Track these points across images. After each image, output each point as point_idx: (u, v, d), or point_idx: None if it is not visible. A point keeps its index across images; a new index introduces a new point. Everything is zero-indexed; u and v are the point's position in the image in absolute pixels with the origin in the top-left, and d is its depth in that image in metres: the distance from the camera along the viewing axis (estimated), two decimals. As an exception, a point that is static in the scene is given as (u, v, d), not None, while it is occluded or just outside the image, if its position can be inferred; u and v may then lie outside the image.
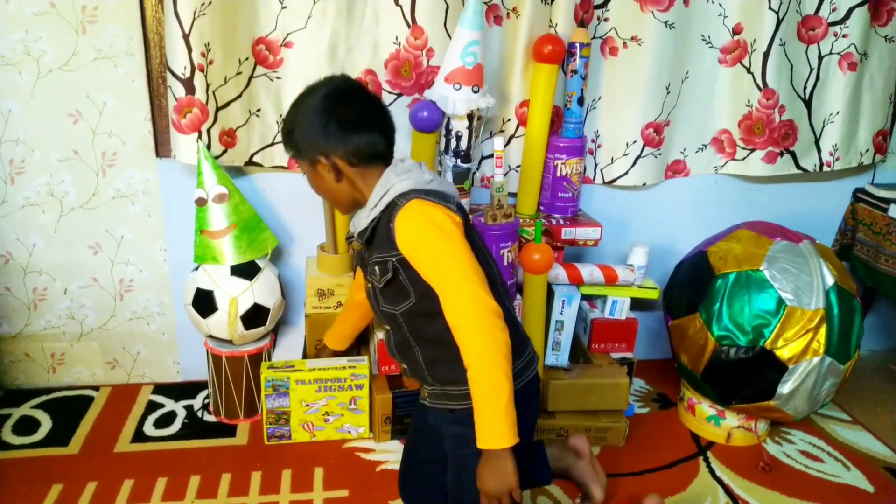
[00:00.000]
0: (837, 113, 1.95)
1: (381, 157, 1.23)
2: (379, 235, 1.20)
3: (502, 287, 1.27)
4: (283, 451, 1.70)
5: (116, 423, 1.79)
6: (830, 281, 1.60)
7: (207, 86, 1.60)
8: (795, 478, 1.69)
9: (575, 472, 1.56)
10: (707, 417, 1.81)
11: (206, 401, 1.88)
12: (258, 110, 1.71)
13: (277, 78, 1.70)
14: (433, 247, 1.14)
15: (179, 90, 1.58)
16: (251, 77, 1.68)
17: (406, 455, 1.49)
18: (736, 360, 1.62)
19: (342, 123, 1.19)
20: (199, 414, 1.84)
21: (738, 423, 1.78)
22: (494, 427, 1.11)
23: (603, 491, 1.54)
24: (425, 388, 1.32)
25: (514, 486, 1.12)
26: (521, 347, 1.24)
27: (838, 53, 1.90)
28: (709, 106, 1.93)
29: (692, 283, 1.74)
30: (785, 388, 1.60)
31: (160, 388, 1.95)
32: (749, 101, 1.91)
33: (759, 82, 1.88)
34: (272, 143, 1.75)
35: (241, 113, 1.69)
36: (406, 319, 1.24)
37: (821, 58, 1.90)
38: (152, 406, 1.87)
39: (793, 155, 1.98)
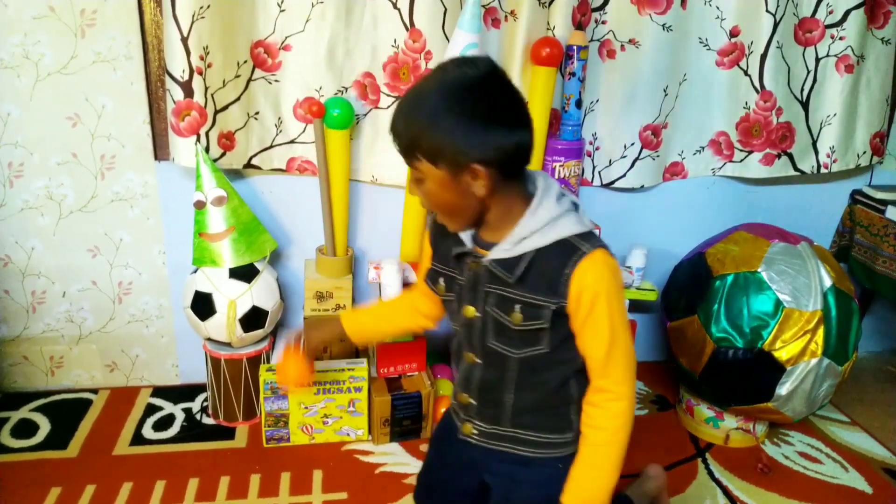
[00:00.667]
0: (835, 115, 1.96)
1: (527, 163, 1.02)
2: (539, 275, 1.02)
3: None
4: (281, 454, 1.70)
5: (115, 425, 1.79)
6: (828, 282, 1.60)
7: (206, 89, 1.60)
8: (794, 479, 1.70)
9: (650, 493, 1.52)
10: (706, 419, 1.82)
11: (205, 403, 1.88)
12: (257, 113, 1.72)
13: (276, 81, 1.70)
14: (615, 308, 1.03)
15: (178, 93, 1.58)
16: (250, 80, 1.68)
17: (428, 472, 1.36)
18: (734, 361, 1.62)
19: (486, 119, 0.94)
20: (198, 416, 1.84)
21: (737, 424, 1.78)
22: (600, 492, 1.07)
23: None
24: (480, 426, 1.18)
25: None
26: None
27: (835, 56, 1.91)
28: (706, 108, 1.94)
29: (690, 285, 1.74)
30: (783, 389, 1.60)
31: (159, 391, 1.95)
32: (746, 104, 1.91)
33: (757, 84, 1.88)
34: (271, 146, 1.75)
35: (240, 116, 1.69)
36: (521, 364, 1.09)
37: (818, 60, 1.91)
38: (151, 409, 1.87)
39: (790, 157, 1.99)
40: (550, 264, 1.01)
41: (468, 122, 0.93)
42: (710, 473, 1.70)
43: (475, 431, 1.18)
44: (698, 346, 1.67)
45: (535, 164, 1.78)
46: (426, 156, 0.96)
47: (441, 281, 1.15)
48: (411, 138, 0.96)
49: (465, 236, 1.07)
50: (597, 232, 1.10)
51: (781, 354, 1.57)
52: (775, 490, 1.65)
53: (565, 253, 1.00)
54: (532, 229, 1.01)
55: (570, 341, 1.07)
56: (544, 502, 1.12)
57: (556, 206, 1.02)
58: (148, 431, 1.77)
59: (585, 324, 1.03)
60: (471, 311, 1.10)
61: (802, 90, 1.93)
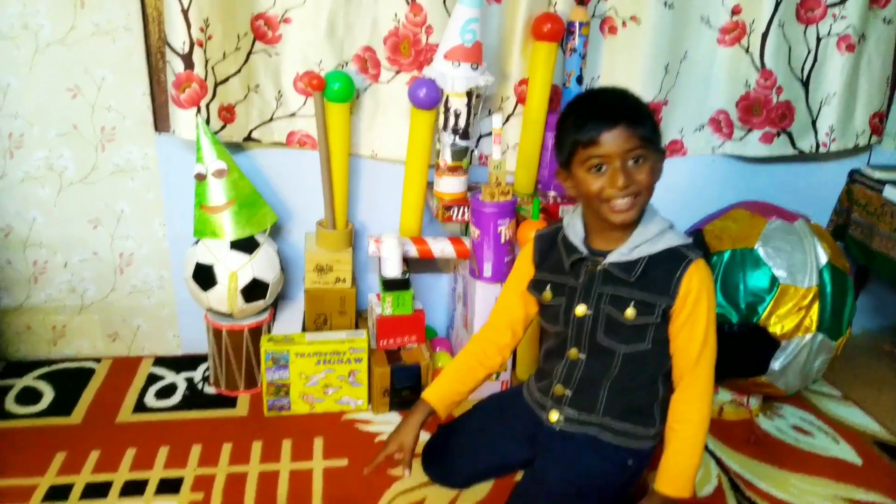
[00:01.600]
0: (835, 94, 1.96)
1: None
2: (653, 276, 1.20)
3: None
4: (282, 422, 1.73)
5: (118, 394, 1.81)
6: (824, 259, 1.62)
7: (206, 61, 1.60)
8: (786, 451, 1.73)
9: None
10: (699, 393, 1.84)
11: (207, 373, 1.91)
12: (257, 86, 1.72)
13: (276, 54, 1.70)
14: (712, 313, 1.21)
15: (178, 65, 1.58)
16: (250, 53, 1.68)
17: (464, 426, 1.48)
18: (729, 336, 1.64)
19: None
20: (200, 386, 1.87)
21: (731, 397, 1.81)
22: (689, 480, 1.23)
23: None
24: (569, 413, 1.32)
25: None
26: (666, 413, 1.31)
27: (837, 35, 1.90)
28: (707, 86, 1.94)
29: (687, 261, 1.76)
30: (777, 363, 1.62)
31: (160, 361, 1.97)
32: (747, 82, 1.91)
33: (758, 63, 1.88)
34: (271, 119, 1.76)
35: (240, 88, 1.69)
36: (624, 359, 1.26)
37: (819, 39, 1.91)
38: (153, 378, 1.89)
39: (789, 136, 2.00)
40: (662, 268, 1.20)
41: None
42: (704, 445, 1.73)
43: (562, 418, 1.33)
44: (694, 321, 1.69)
45: (535, 141, 1.79)
46: (655, 142, 1.18)
47: (547, 288, 1.31)
48: (651, 127, 1.17)
49: (580, 243, 1.26)
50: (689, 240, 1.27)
51: (776, 329, 1.60)
52: (767, 461, 1.68)
53: (675, 259, 1.20)
54: (645, 238, 1.21)
55: (665, 344, 1.24)
56: (598, 475, 1.30)
57: (662, 222, 1.23)
58: (150, 400, 1.80)
59: (685, 324, 1.20)
60: (582, 309, 1.25)
61: (803, 69, 1.93)
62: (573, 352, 1.30)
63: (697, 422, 1.23)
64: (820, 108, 1.99)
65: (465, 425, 1.50)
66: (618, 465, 1.31)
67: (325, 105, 1.68)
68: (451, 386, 1.40)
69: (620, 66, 1.84)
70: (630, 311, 1.21)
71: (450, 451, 1.49)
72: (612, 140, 1.14)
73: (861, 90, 2.00)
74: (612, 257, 1.22)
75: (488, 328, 1.43)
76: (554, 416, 1.34)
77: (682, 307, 1.19)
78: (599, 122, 1.14)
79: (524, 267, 1.37)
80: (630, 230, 1.22)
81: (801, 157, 2.07)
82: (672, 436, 1.25)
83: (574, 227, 1.28)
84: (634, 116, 1.15)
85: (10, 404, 1.75)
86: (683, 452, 1.24)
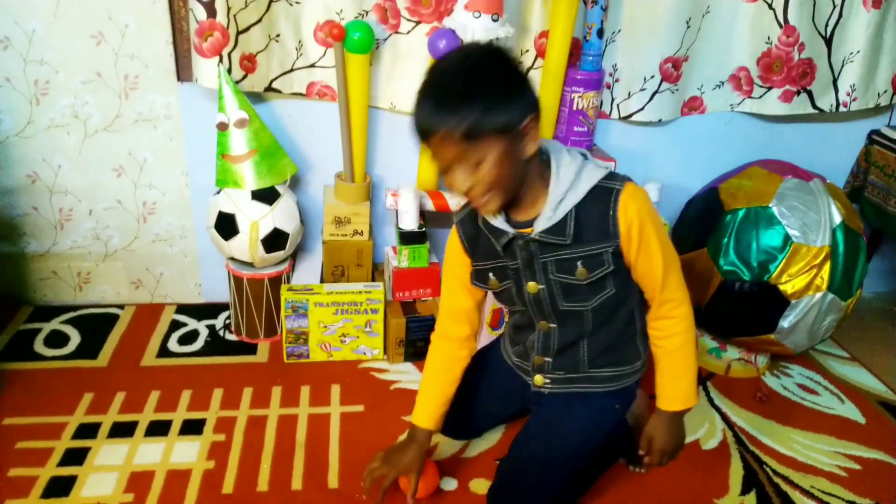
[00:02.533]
0: (858, 52, 1.93)
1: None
2: (588, 227, 1.11)
3: None
4: (301, 369, 1.79)
5: (142, 339, 1.87)
6: (838, 219, 1.63)
7: (228, 9, 1.60)
8: (790, 408, 1.77)
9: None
10: (708, 350, 1.88)
11: (228, 321, 1.96)
12: (277, 35, 1.72)
13: (297, 2, 1.70)
14: (659, 227, 1.14)
15: (201, 13, 1.59)
16: (271, 2, 1.68)
17: (464, 390, 1.43)
18: (740, 293, 1.66)
19: (522, 75, 1.04)
20: (221, 333, 1.92)
21: (739, 355, 1.84)
22: (691, 388, 1.23)
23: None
24: (555, 375, 1.30)
25: (683, 444, 1.28)
26: (645, 349, 1.31)
27: (864, -10, 1.87)
28: (728, 42, 1.92)
29: (702, 219, 1.77)
30: (786, 322, 1.65)
31: (182, 309, 2.02)
32: (769, 38, 1.89)
33: (781, 19, 1.86)
34: (291, 70, 1.76)
35: (261, 38, 1.70)
36: (594, 313, 1.21)
37: (845, -6, 1.88)
38: (175, 325, 1.94)
39: (810, 94, 1.98)
40: (594, 213, 1.11)
41: (510, 83, 1.02)
42: (710, 400, 1.77)
43: (548, 381, 1.32)
44: (706, 278, 1.71)
45: (554, 95, 1.79)
46: (490, 132, 0.99)
47: (490, 276, 1.24)
48: (473, 123, 0.98)
49: (501, 224, 1.14)
50: (612, 166, 1.18)
51: (787, 288, 1.61)
52: (772, 418, 1.72)
53: (603, 197, 1.10)
54: (563, 189, 1.09)
55: (628, 276, 1.19)
56: (588, 429, 1.28)
57: (573, 161, 1.11)
58: (173, 345, 1.85)
59: (639, 252, 1.13)
60: (533, 286, 1.19)
61: (827, 26, 1.90)
62: (543, 324, 1.25)
63: (682, 331, 1.20)
64: (842, 67, 1.97)
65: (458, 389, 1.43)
66: (607, 412, 1.31)
67: (344, 56, 1.68)
68: (435, 400, 1.33)
69: (642, 19, 1.82)
70: (581, 271, 1.14)
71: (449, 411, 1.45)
72: (435, 148, 1.03)
73: (885, 48, 1.96)
74: (539, 225, 1.11)
75: (445, 326, 1.33)
76: (539, 380, 1.32)
77: (630, 241, 1.12)
78: (421, 129, 1.03)
79: (456, 256, 1.27)
80: (541, 188, 1.11)
81: (821, 116, 2.05)
82: (660, 353, 1.23)
83: None
84: (456, 110, 0.98)
85: (39, 347, 1.81)
86: (676, 365, 1.22)
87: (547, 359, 1.28)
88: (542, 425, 1.33)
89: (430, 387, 1.34)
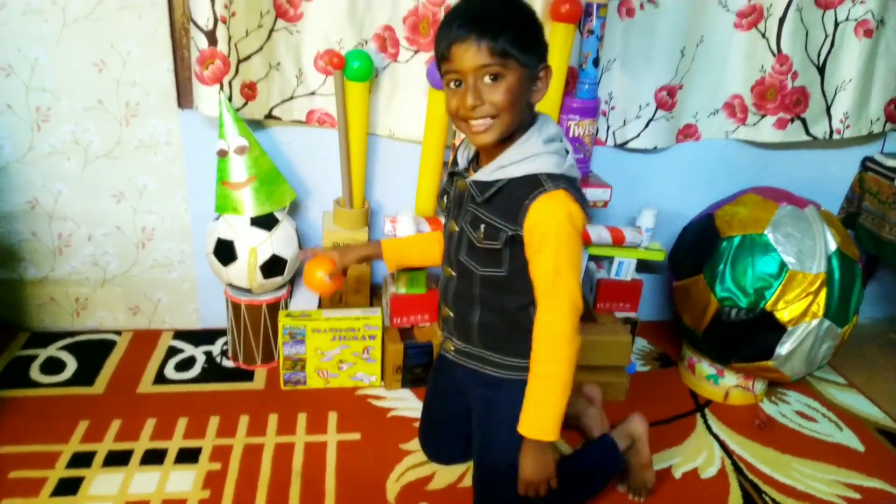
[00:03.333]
0: (850, 80, 1.96)
1: None
2: (503, 201, 1.13)
3: None
4: (298, 396, 1.78)
5: (138, 365, 1.86)
6: (833, 246, 1.64)
7: (229, 38, 1.62)
8: (789, 436, 1.76)
9: (584, 420, 1.63)
10: (706, 376, 1.87)
11: (225, 347, 1.95)
12: (278, 64, 1.74)
13: (297, 32, 1.72)
14: (562, 248, 1.11)
15: (202, 41, 1.61)
16: (272, 30, 1.70)
17: (427, 410, 1.55)
18: (737, 320, 1.67)
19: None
20: (218, 359, 1.91)
21: (737, 382, 1.84)
22: (547, 422, 1.17)
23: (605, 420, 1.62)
24: (456, 343, 1.34)
25: (553, 475, 1.21)
26: None
27: (854, 20, 1.90)
28: (722, 70, 1.94)
29: (698, 246, 1.78)
30: (783, 349, 1.65)
31: (180, 334, 2.02)
32: (763, 67, 1.92)
33: (774, 48, 1.89)
34: (291, 97, 1.78)
35: (262, 66, 1.72)
36: (483, 282, 1.22)
37: (836, 24, 1.90)
38: (173, 351, 1.94)
39: (803, 122, 2.00)
40: (515, 194, 1.12)
41: (537, 26, 1.09)
42: (709, 428, 1.76)
43: (453, 348, 1.35)
44: (702, 304, 1.72)
45: (550, 123, 1.81)
46: (523, 46, 1.05)
47: (445, 198, 1.31)
48: (508, 40, 1.04)
49: (462, 157, 1.22)
50: (609, 192, 1.17)
51: (783, 315, 1.62)
52: (771, 445, 1.71)
53: (530, 187, 1.11)
54: (512, 160, 1.12)
55: (527, 270, 1.17)
56: (503, 420, 1.25)
57: (542, 146, 1.12)
58: (170, 372, 1.85)
59: (534, 257, 1.14)
60: (453, 225, 1.24)
61: (819, 54, 1.93)
62: (447, 269, 1.29)
63: (552, 362, 1.15)
64: (835, 95, 1.99)
65: (426, 399, 1.55)
66: (519, 395, 1.24)
67: (344, 84, 1.70)
68: (407, 246, 1.50)
69: (637, 48, 1.85)
70: (481, 233, 1.16)
71: (428, 428, 1.55)
72: (461, 54, 1.05)
73: (877, 76, 1.99)
74: (477, 175, 1.16)
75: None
76: (447, 344, 1.36)
77: (530, 238, 1.12)
78: (452, 33, 1.05)
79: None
80: (502, 150, 1.14)
81: (815, 143, 2.07)
82: (531, 374, 1.19)
83: (467, 141, 1.22)
84: (492, 25, 1.03)
85: (35, 373, 1.80)
86: (539, 394, 1.17)
87: (450, 313, 1.31)
88: (479, 437, 1.35)
89: (412, 240, 1.55)
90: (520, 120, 1.12)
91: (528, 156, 1.11)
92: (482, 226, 1.16)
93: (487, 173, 1.15)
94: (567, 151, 1.17)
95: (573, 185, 1.14)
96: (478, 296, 1.24)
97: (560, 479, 1.23)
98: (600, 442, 1.51)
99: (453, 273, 1.28)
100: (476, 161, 1.23)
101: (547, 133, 1.14)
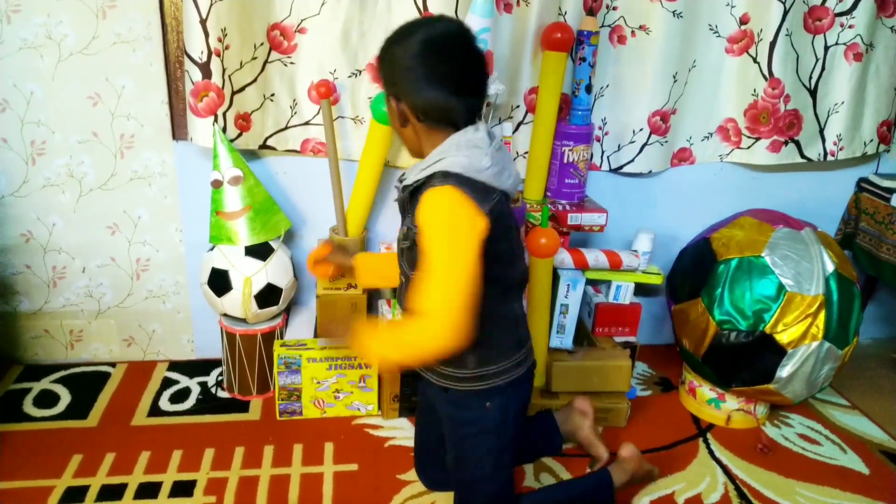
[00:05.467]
0: (842, 103, 1.97)
1: (453, 122, 1.16)
2: (412, 203, 1.18)
3: (519, 288, 1.29)
4: (294, 427, 1.76)
5: (133, 397, 1.84)
6: (831, 268, 1.63)
7: (223, 70, 1.63)
8: (793, 459, 1.74)
9: (580, 434, 1.62)
10: (707, 400, 1.86)
11: (220, 377, 1.94)
12: (272, 95, 1.75)
13: (291, 63, 1.74)
14: (440, 241, 1.11)
15: (196, 74, 1.62)
16: (266, 62, 1.71)
17: (417, 435, 1.56)
18: (736, 343, 1.65)
19: (425, 76, 1.12)
20: (213, 390, 1.89)
21: (738, 405, 1.82)
22: (386, 351, 1.19)
23: (606, 450, 1.60)
24: None
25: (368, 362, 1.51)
26: (510, 350, 1.27)
27: (844, 44, 1.92)
28: (715, 95, 1.96)
29: (695, 269, 1.78)
30: (784, 371, 1.64)
31: (175, 365, 2.00)
32: (755, 91, 1.93)
33: (766, 72, 1.90)
34: (286, 128, 1.79)
35: (256, 97, 1.73)
36: (411, 287, 1.22)
37: (827, 48, 1.92)
38: (167, 382, 1.92)
39: (797, 144, 2.01)
40: (416, 196, 1.16)
41: (419, 76, 1.12)
42: (711, 453, 1.74)
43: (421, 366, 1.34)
44: (701, 328, 1.71)
45: (545, 149, 1.81)
46: (382, 81, 1.19)
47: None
48: (378, 64, 1.19)
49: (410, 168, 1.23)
50: (483, 180, 1.14)
51: (783, 337, 1.61)
52: (774, 469, 1.69)
53: (424, 185, 1.15)
54: (427, 164, 1.16)
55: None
56: (471, 435, 1.30)
57: (453, 150, 1.14)
58: (165, 403, 1.83)
59: (422, 251, 1.13)
60: (400, 228, 1.26)
61: (811, 78, 1.95)
62: (399, 277, 1.32)
63: (410, 333, 1.15)
64: (828, 117, 2.00)
65: (416, 434, 1.57)
66: (481, 410, 1.28)
67: (331, 117, 1.70)
68: (378, 262, 1.53)
69: (629, 74, 1.86)
70: (401, 234, 1.23)
71: (420, 462, 1.57)
72: None
73: (869, 99, 2.01)
74: (405, 178, 1.23)
75: None
76: None
77: (419, 230, 1.13)
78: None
79: None
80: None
81: (809, 165, 2.08)
82: (401, 320, 1.30)
83: None
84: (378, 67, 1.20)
85: (28, 407, 1.78)
86: (390, 334, 1.21)
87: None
88: (451, 452, 1.37)
89: (387, 255, 1.53)
90: (418, 143, 1.20)
91: (437, 159, 1.15)
92: (404, 227, 1.22)
93: (412, 176, 1.20)
94: (488, 162, 1.15)
95: (474, 185, 1.13)
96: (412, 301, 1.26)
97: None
98: (597, 475, 1.50)
99: (402, 277, 1.31)
100: None
101: (468, 140, 1.15)
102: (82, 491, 1.50)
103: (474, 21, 1.59)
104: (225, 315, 1.80)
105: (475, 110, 1.18)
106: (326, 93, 1.67)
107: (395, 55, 1.14)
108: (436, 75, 1.12)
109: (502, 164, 1.18)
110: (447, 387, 1.28)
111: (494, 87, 1.67)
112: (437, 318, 1.10)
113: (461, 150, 1.14)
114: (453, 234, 1.11)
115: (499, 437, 1.31)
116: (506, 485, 1.37)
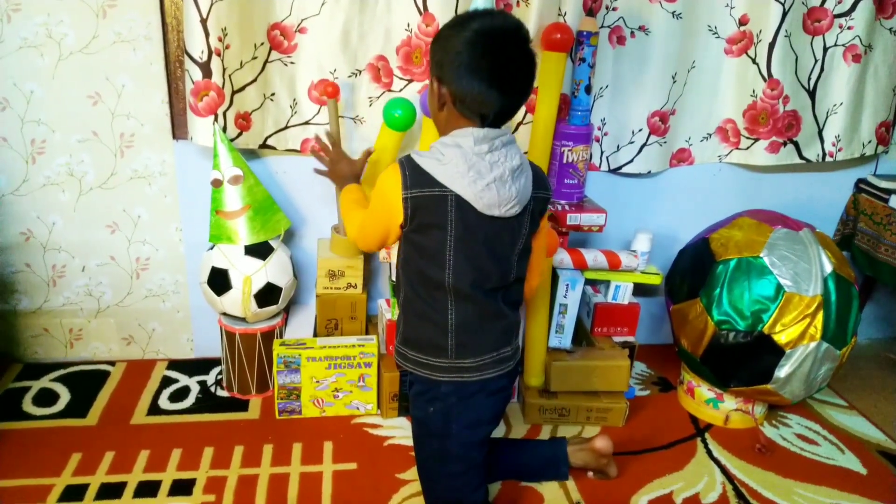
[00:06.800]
0: (841, 104, 1.98)
1: (482, 116, 1.19)
2: None
3: (456, 297, 1.25)
4: (293, 426, 1.76)
5: (132, 396, 1.85)
6: (829, 268, 1.64)
7: (224, 70, 1.64)
8: (791, 460, 1.74)
9: (592, 465, 1.60)
10: (706, 400, 1.86)
11: (219, 376, 1.94)
12: (272, 94, 1.75)
13: (291, 63, 1.74)
14: (371, 196, 1.28)
15: (196, 74, 1.62)
16: (266, 62, 1.72)
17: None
18: (735, 344, 1.66)
19: (470, 64, 1.14)
20: (213, 389, 1.90)
21: (736, 405, 1.82)
22: (343, 200, 1.50)
23: (616, 468, 1.61)
24: None
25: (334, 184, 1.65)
26: (429, 348, 1.29)
27: (843, 45, 1.92)
28: (714, 95, 1.96)
29: (694, 269, 1.78)
30: (782, 371, 1.64)
31: (174, 364, 2.01)
32: (754, 92, 1.93)
33: (765, 73, 1.91)
34: (286, 127, 1.79)
35: (256, 97, 1.73)
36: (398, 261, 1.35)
37: (825, 49, 1.93)
38: (167, 381, 1.92)
39: (796, 145, 2.02)
40: None
41: (464, 62, 1.14)
42: (709, 452, 1.75)
43: None
44: (700, 328, 1.71)
45: (544, 149, 1.81)
46: (432, 68, 1.21)
47: None
48: (434, 52, 1.21)
49: None
50: (430, 171, 1.19)
51: (781, 338, 1.61)
52: (772, 470, 1.69)
53: None
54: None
55: (407, 240, 1.26)
56: (417, 415, 1.37)
57: (439, 144, 1.20)
58: (164, 402, 1.83)
59: None
60: None
61: (810, 79, 1.95)
62: None
63: (344, 217, 1.45)
64: (826, 118, 2.01)
65: None
66: (415, 396, 1.35)
67: (337, 116, 1.71)
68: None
69: (629, 75, 1.87)
70: None
71: None
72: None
73: (867, 100, 2.01)
74: None
75: None
76: None
77: None
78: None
79: None
80: None
81: (808, 166, 2.08)
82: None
83: None
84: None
85: (28, 405, 1.78)
86: (348, 202, 1.48)
87: None
88: None
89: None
90: (442, 126, 1.26)
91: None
92: None
93: None
94: (454, 157, 1.18)
95: (418, 169, 1.19)
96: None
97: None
98: (553, 444, 1.59)
99: None
100: None
101: (464, 134, 1.19)
102: (82, 489, 1.50)
103: (474, 21, 1.59)
104: (224, 314, 1.80)
105: (509, 109, 1.21)
106: (334, 92, 1.67)
107: (448, 39, 1.17)
108: (481, 65, 1.14)
109: (484, 174, 1.18)
110: (405, 367, 1.34)
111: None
112: (351, 236, 1.41)
113: (447, 142, 1.20)
114: (375, 200, 1.26)
115: (442, 444, 1.33)
116: (454, 492, 1.37)
